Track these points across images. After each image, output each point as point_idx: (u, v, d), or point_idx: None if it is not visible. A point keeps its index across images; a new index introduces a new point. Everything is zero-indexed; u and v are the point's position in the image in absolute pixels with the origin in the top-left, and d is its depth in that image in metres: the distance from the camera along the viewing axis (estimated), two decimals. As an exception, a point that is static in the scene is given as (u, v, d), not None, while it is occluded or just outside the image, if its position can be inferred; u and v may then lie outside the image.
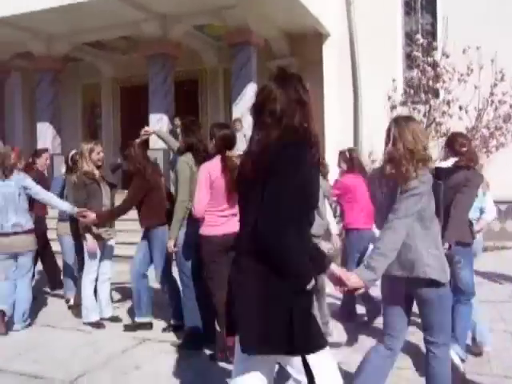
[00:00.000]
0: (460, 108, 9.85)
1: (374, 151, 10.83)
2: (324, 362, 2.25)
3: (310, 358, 2.19)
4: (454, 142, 4.22)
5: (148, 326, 5.26)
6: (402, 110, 10.26)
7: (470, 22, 10.63)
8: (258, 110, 2.35)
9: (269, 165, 2.15)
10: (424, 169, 2.90)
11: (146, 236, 5.20)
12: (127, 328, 5.27)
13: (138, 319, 5.26)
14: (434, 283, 2.90)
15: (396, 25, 12.37)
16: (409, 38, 12.39)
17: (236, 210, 4.36)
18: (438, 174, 3.56)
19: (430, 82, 10.05)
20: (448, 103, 9.92)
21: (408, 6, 12.68)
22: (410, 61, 11.42)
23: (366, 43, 11.87)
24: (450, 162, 4.12)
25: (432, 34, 11.89)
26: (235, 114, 11.40)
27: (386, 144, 3.04)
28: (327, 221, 5.03)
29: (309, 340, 2.17)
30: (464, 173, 4.01)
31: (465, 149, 4.14)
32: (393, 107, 10.23)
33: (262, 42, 11.97)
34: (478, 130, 9.87)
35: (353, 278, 2.61)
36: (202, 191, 4.25)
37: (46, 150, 7.38)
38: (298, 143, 2.20)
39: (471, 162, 4.13)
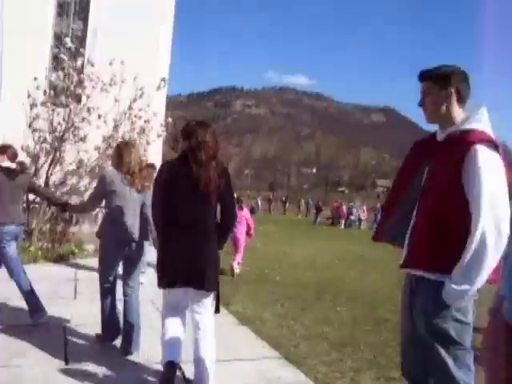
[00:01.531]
0: (99, 116, 10.27)
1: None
2: None
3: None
4: None
5: None
6: (42, 110, 10.16)
7: (118, 37, 11.19)
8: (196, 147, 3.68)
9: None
10: None
11: None
12: None
13: None
14: None
15: (47, 24, 12.17)
16: (58, 39, 12.37)
17: None
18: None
19: (73, 87, 10.21)
20: (88, 110, 10.23)
21: (61, 7, 12.65)
22: (56, 62, 11.39)
23: (14, 36, 11.33)
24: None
25: (81, 41, 12.11)
26: None
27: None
28: None
29: None
30: None
31: None
32: (33, 105, 10.04)
33: None
34: (115, 140, 10.42)
35: None
36: None
37: None
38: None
39: None
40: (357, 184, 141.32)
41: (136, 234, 4.68)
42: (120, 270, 4.82)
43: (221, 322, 5.87)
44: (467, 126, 2.56)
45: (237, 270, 9.80)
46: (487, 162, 2.42)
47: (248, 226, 10.13)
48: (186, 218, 3.67)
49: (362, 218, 34.38)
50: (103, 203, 4.83)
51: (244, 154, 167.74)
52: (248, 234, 10.24)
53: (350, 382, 4.55)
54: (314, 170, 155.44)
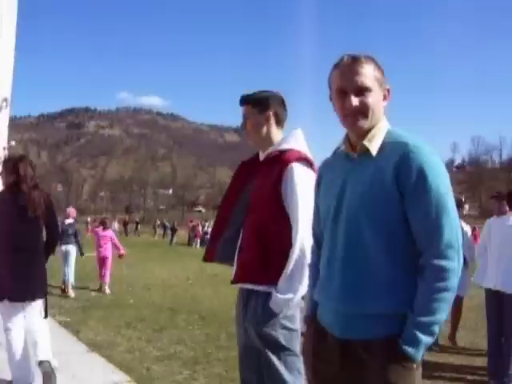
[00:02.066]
0: None
1: None
2: None
3: None
4: None
5: None
6: None
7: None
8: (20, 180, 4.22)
9: None
10: None
11: None
12: None
13: None
14: None
15: None
16: None
17: None
18: None
19: None
20: None
21: None
22: None
23: None
24: None
25: None
26: None
27: None
28: None
29: None
30: None
31: None
32: None
33: None
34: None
35: None
36: None
37: None
38: None
39: None
40: (213, 203, 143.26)
41: None
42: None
43: (69, 351, 5.75)
44: (285, 146, 2.79)
45: (107, 290, 10.69)
46: (302, 178, 2.65)
47: (116, 246, 10.74)
48: (18, 241, 4.15)
49: (219, 236, 34.74)
50: None
51: (99, 176, 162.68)
52: (119, 255, 11.03)
53: (201, 397, 4.67)
54: (171, 191, 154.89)
